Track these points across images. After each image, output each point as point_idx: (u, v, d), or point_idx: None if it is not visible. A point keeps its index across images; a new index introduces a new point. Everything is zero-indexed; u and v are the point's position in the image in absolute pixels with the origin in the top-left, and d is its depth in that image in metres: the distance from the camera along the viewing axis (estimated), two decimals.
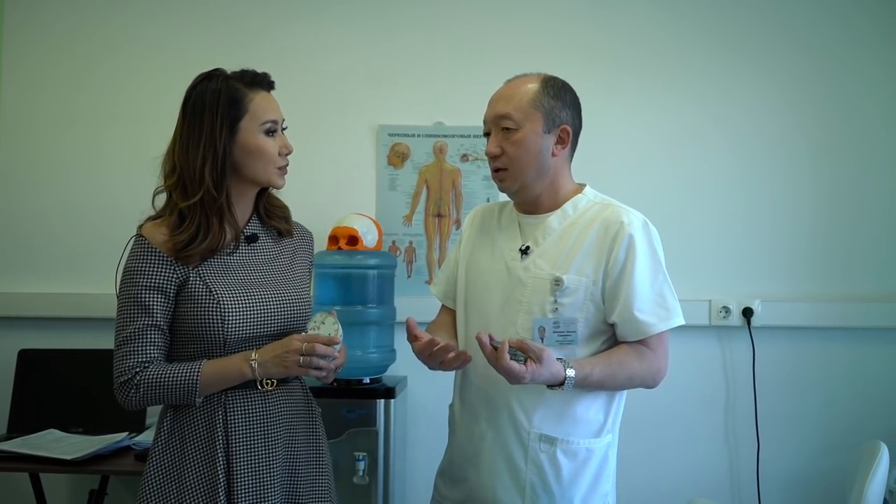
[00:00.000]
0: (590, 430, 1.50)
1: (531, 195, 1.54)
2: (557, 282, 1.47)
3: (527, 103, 1.48)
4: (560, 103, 1.50)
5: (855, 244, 2.55)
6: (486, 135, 1.54)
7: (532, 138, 1.48)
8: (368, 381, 2.32)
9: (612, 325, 1.50)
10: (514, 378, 1.35)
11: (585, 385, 1.43)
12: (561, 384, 1.39)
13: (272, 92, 1.52)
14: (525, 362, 1.35)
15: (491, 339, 1.37)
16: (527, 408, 1.48)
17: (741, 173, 2.56)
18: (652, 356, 1.48)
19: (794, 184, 2.56)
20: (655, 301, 1.47)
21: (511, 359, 1.34)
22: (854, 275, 2.54)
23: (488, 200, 2.56)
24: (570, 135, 1.52)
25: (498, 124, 1.50)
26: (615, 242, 1.47)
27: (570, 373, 1.39)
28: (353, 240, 2.34)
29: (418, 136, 2.60)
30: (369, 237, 2.38)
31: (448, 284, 1.69)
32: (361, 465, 2.20)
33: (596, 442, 1.50)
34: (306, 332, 1.46)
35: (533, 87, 1.50)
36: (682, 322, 1.50)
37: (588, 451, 1.49)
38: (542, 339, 1.45)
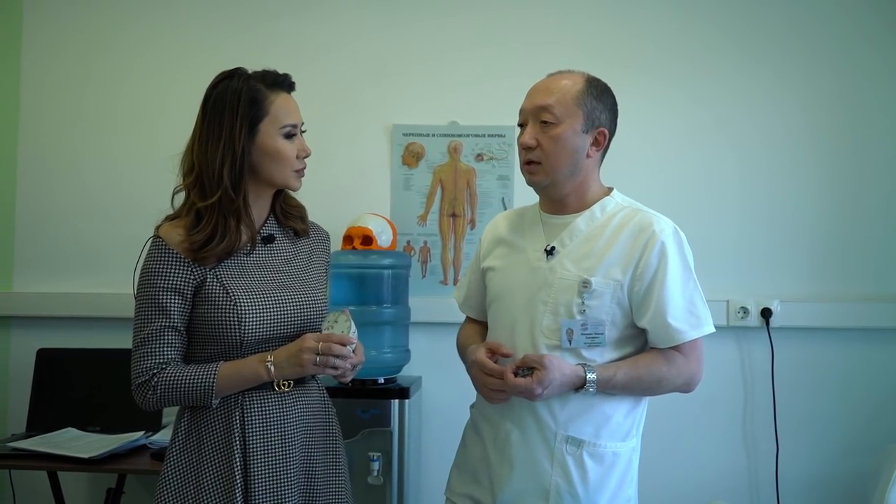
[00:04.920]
0: (617, 433, 1.49)
1: (560, 193, 1.53)
2: (585, 284, 1.46)
3: (570, 99, 1.47)
4: (601, 105, 1.50)
5: (876, 243, 2.51)
6: (521, 125, 1.53)
7: (570, 135, 1.47)
8: (383, 381, 2.32)
9: (642, 331, 1.49)
10: (527, 393, 1.39)
11: (610, 388, 1.44)
12: (583, 387, 1.41)
13: (292, 93, 1.52)
14: (532, 374, 1.38)
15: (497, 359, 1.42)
16: (553, 409, 1.46)
17: (760, 171, 2.53)
18: (683, 361, 1.48)
19: (814, 182, 2.52)
20: (687, 308, 1.47)
21: (518, 376, 1.39)
22: (875, 275, 2.50)
23: (503, 200, 2.55)
24: (606, 138, 1.52)
25: (537, 116, 1.48)
26: (646, 249, 1.46)
27: (591, 376, 1.41)
28: (368, 240, 2.34)
29: (433, 135, 2.59)
30: (384, 237, 2.38)
31: (468, 292, 1.70)
32: (376, 466, 2.20)
33: (622, 445, 1.49)
34: (320, 332, 1.46)
35: (578, 83, 1.50)
36: (712, 330, 1.50)
37: (614, 455, 1.48)
38: (570, 340, 1.45)
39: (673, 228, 1.50)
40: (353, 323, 1.45)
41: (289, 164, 1.48)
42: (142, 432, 2.23)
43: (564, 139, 1.47)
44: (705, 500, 2.28)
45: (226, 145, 1.42)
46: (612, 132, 1.55)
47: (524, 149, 1.50)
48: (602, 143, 1.52)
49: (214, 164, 1.42)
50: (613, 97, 1.55)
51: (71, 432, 2.29)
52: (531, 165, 1.51)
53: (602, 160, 1.57)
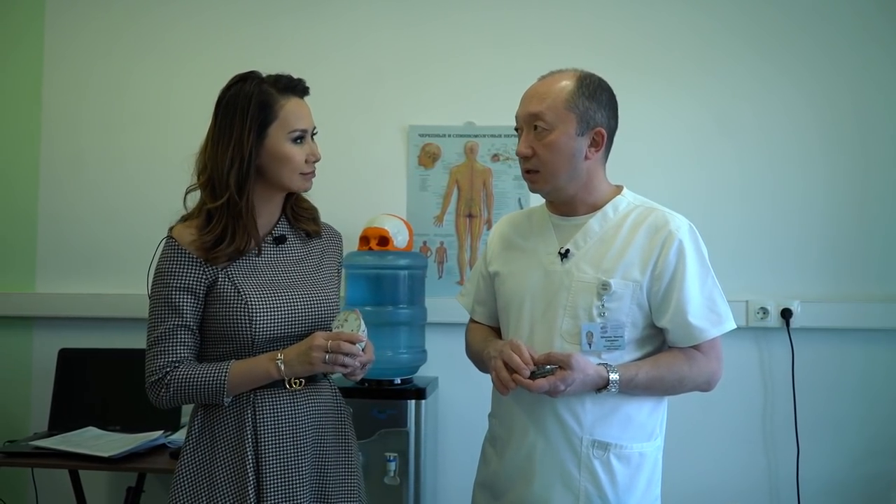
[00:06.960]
0: (642, 433, 1.47)
1: (564, 196, 1.51)
2: (605, 286, 1.44)
3: (561, 104, 1.43)
4: (595, 104, 1.45)
5: None
6: (517, 131, 1.50)
7: (564, 141, 1.44)
8: (399, 381, 2.32)
9: (661, 331, 1.48)
10: (549, 392, 1.37)
11: (632, 387, 1.42)
12: (605, 387, 1.39)
13: (306, 98, 1.52)
14: (555, 372, 1.36)
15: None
16: (577, 414, 1.44)
17: (779, 170, 2.50)
18: (704, 360, 1.46)
19: (833, 180, 2.49)
20: (706, 306, 1.45)
21: (539, 374, 1.36)
22: None
23: (519, 200, 2.55)
24: (604, 138, 1.47)
25: (530, 123, 1.46)
26: (664, 248, 1.44)
27: (614, 376, 1.39)
28: (384, 240, 2.34)
29: (449, 136, 2.59)
30: (400, 238, 2.38)
31: (477, 297, 1.67)
32: (392, 466, 2.20)
33: (648, 446, 1.48)
34: (331, 331, 1.46)
35: (568, 86, 1.45)
36: (733, 327, 1.48)
37: (641, 456, 1.46)
38: (589, 344, 1.43)
39: (688, 226, 1.48)
40: (362, 322, 1.46)
41: (296, 168, 1.48)
42: (161, 431, 2.26)
43: (559, 145, 1.44)
44: (724, 500, 2.26)
45: (235, 148, 1.43)
46: (612, 129, 1.50)
47: (521, 158, 1.48)
48: (601, 144, 1.47)
49: (223, 166, 1.44)
50: (610, 92, 1.49)
51: (92, 431, 2.32)
52: (530, 174, 1.49)
53: (606, 158, 1.53)
